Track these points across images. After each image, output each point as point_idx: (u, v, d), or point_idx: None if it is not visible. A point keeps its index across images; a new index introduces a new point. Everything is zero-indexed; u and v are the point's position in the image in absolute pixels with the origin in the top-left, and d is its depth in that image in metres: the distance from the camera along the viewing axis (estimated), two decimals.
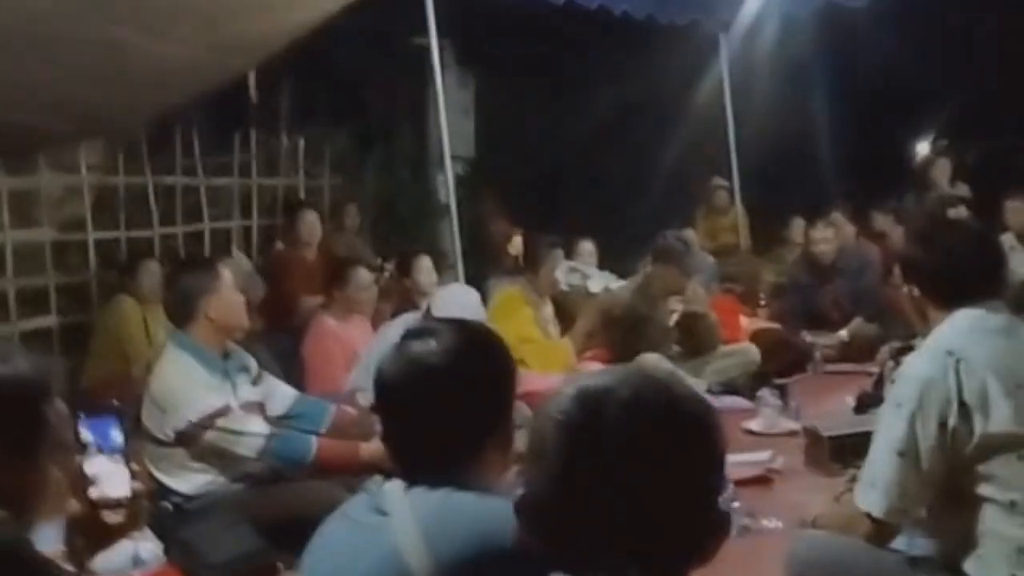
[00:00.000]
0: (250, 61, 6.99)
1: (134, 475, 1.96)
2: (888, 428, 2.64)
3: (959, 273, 2.77)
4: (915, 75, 11.52)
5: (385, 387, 1.93)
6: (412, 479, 1.86)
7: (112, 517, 1.93)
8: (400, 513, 1.80)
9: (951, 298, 2.76)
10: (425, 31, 6.57)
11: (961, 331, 2.69)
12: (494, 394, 1.95)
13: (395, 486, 1.86)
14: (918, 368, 2.66)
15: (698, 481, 1.33)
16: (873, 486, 2.63)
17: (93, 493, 1.92)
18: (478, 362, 1.94)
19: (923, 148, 13.35)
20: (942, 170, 9.45)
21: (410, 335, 1.96)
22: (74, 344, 6.70)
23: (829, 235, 7.71)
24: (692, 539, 1.32)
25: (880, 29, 10.09)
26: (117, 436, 1.94)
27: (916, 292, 2.86)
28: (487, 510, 1.78)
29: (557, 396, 1.37)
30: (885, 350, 5.64)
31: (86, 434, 1.93)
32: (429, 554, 1.73)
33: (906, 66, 11.33)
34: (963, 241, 2.85)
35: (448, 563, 1.73)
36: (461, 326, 2.02)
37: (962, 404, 2.56)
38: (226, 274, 4.03)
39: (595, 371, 1.43)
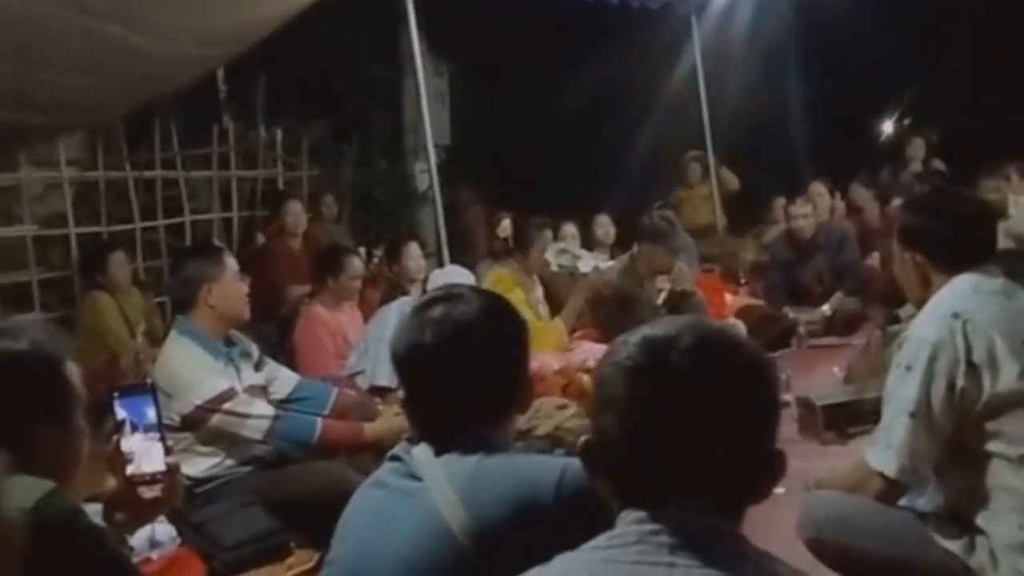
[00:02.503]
0: (229, 53, 6.96)
1: (168, 451, 1.97)
2: (900, 391, 2.71)
3: (963, 238, 2.85)
4: (883, 54, 11.63)
5: (412, 351, 1.91)
6: (440, 444, 1.86)
7: (148, 492, 1.94)
8: (435, 478, 1.80)
9: (955, 263, 2.83)
10: (398, 20, 6.57)
11: (964, 294, 2.76)
12: (518, 354, 1.97)
13: (424, 452, 1.86)
14: (926, 331, 2.72)
15: (756, 423, 1.39)
16: (888, 447, 2.70)
17: (129, 469, 1.93)
18: (493, 325, 1.93)
19: (888, 126, 13.51)
20: (917, 147, 9.56)
21: (431, 301, 1.95)
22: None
23: (807, 211, 7.81)
24: (750, 477, 1.39)
25: (850, 7, 10.18)
26: (151, 413, 1.95)
27: (919, 258, 2.91)
28: (525, 470, 1.81)
29: (623, 344, 1.42)
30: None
31: (121, 412, 1.94)
32: (469, 515, 1.74)
33: (875, 45, 11.44)
34: (966, 208, 2.94)
35: (489, 524, 1.74)
36: (478, 290, 2.04)
37: (970, 364, 2.63)
38: (230, 263, 4.03)
39: (656, 321, 1.47)
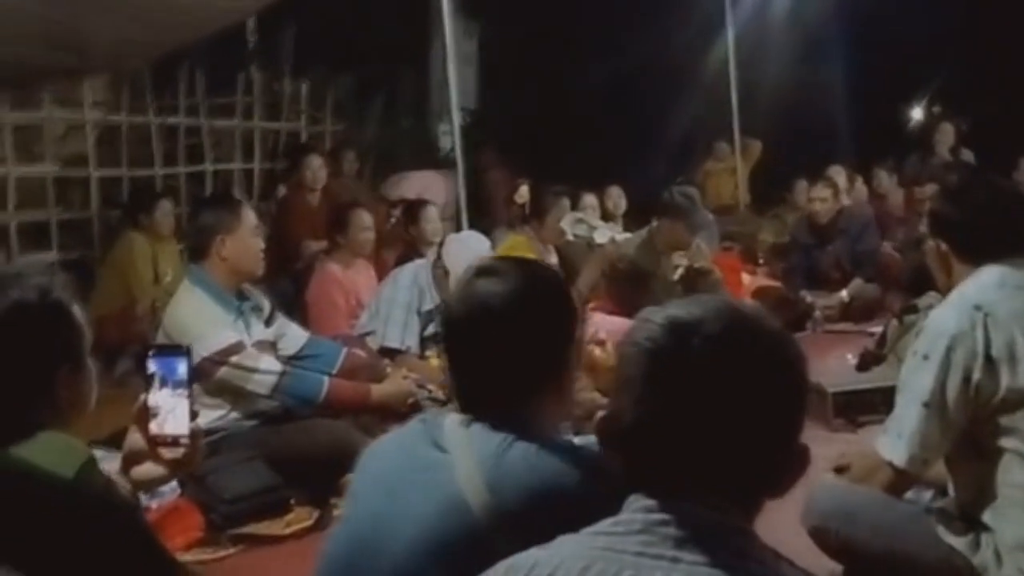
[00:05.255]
0: (257, 3, 6.94)
1: (195, 415, 1.95)
2: (915, 380, 2.66)
3: (990, 229, 2.78)
4: (918, 40, 11.52)
5: (451, 324, 1.93)
6: (473, 414, 1.84)
7: (169, 453, 1.93)
8: (460, 452, 1.78)
9: (980, 253, 2.77)
10: None
11: (988, 286, 2.70)
12: (555, 338, 1.92)
13: (455, 421, 1.84)
14: (946, 322, 2.67)
15: (780, 417, 1.33)
16: (900, 436, 2.66)
17: (153, 428, 1.92)
18: (541, 305, 1.90)
19: (918, 113, 13.39)
20: (944, 135, 9.45)
21: (478, 273, 1.94)
22: (75, 280, 6.67)
23: (826, 195, 7.71)
24: (770, 473, 1.33)
25: None
26: (183, 371, 1.93)
27: (944, 247, 2.86)
28: (550, 458, 1.77)
29: (646, 323, 1.36)
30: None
31: (152, 366, 1.93)
32: (491, 498, 1.72)
33: (910, 31, 11.33)
34: (995, 198, 2.87)
35: (509, 507, 1.71)
36: (527, 267, 2.00)
37: (988, 358, 2.58)
38: (248, 217, 4.00)
39: (683, 301, 1.40)
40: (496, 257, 2.01)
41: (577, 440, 2.24)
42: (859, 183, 9.15)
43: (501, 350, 1.85)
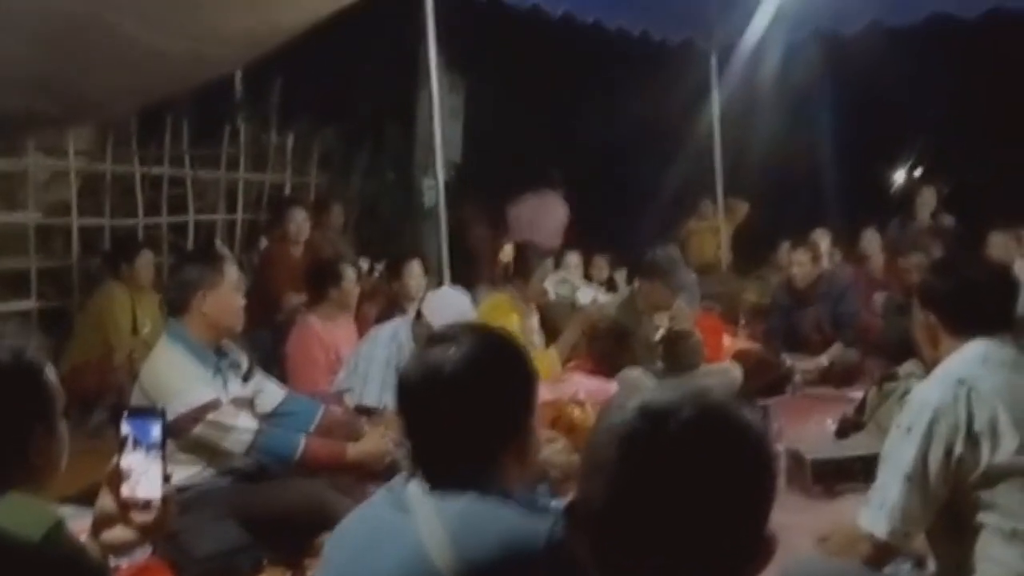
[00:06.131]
0: (245, 55, 6.97)
1: (168, 479, 1.93)
2: (898, 452, 2.68)
3: (978, 303, 2.83)
4: (902, 103, 11.65)
5: (405, 391, 1.96)
6: (433, 480, 1.87)
7: (140, 517, 1.91)
8: (424, 514, 1.82)
9: (969, 327, 2.81)
10: (418, 33, 6.56)
11: (973, 361, 2.73)
12: (511, 402, 1.96)
13: (417, 486, 1.88)
14: (930, 395, 2.70)
15: (749, 504, 1.34)
16: (881, 508, 2.66)
17: (124, 491, 1.90)
18: (496, 370, 1.95)
19: (901, 176, 13.50)
20: (926, 200, 9.53)
21: (432, 340, 1.99)
22: (53, 328, 6.66)
23: (805, 259, 7.74)
24: (736, 561, 1.34)
25: (870, 57, 10.17)
26: (157, 434, 1.91)
27: (933, 319, 2.89)
28: (516, 518, 1.80)
29: (619, 409, 1.38)
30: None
31: (126, 428, 1.91)
32: (456, 554, 1.75)
33: (894, 94, 11.45)
34: (983, 272, 2.93)
35: (475, 565, 1.74)
36: (482, 333, 2.03)
37: (971, 433, 2.60)
38: (230, 272, 3.98)
39: (660, 385, 1.45)
40: (454, 324, 2.04)
41: (553, 503, 2.25)
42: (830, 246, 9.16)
43: (454, 416, 1.88)
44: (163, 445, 1.90)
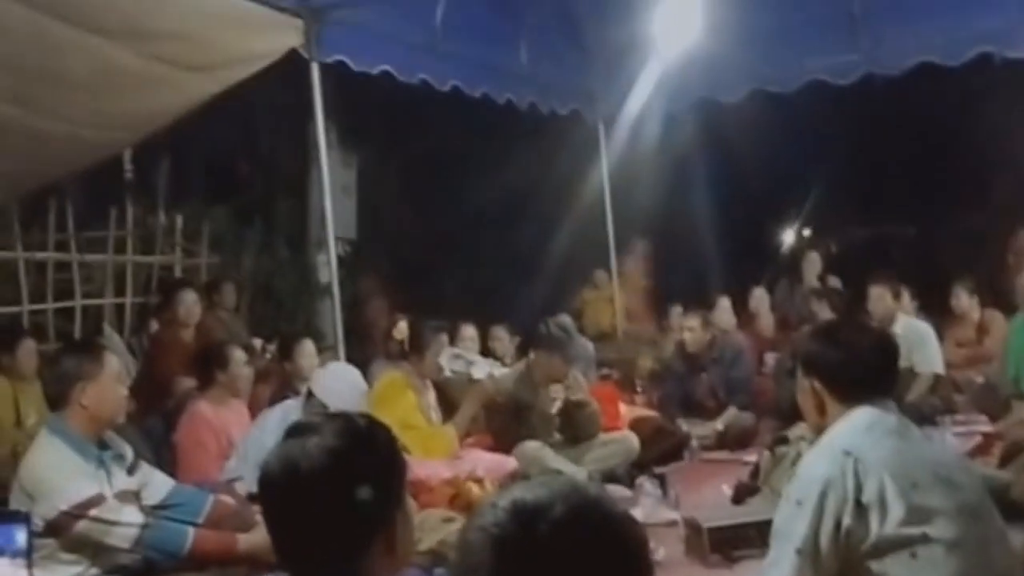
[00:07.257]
0: (127, 139, 6.90)
1: None
2: (788, 526, 2.68)
3: (861, 371, 2.85)
4: (785, 167, 11.98)
5: (264, 487, 1.92)
6: (297, 573, 1.84)
7: None
8: None
9: (853, 394, 2.83)
10: (309, 110, 6.55)
11: (858, 430, 2.76)
12: (377, 491, 1.91)
13: None
14: (816, 467, 2.71)
15: None
16: None
17: None
18: (357, 461, 1.90)
19: (789, 237, 13.85)
20: (811, 263, 9.77)
21: (291, 431, 1.95)
22: None
23: (695, 324, 7.82)
24: None
25: (753, 123, 10.46)
26: (22, 539, 1.85)
27: (817, 386, 2.92)
28: None
29: (491, 508, 1.36)
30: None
31: None
32: None
33: (777, 159, 11.78)
34: (866, 340, 2.95)
35: None
36: (343, 421, 1.99)
37: (859, 504, 2.61)
38: (110, 363, 3.89)
39: (528, 483, 1.42)
40: (319, 413, 2.01)
41: None
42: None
43: (313, 511, 1.84)
44: (29, 551, 1.84)
